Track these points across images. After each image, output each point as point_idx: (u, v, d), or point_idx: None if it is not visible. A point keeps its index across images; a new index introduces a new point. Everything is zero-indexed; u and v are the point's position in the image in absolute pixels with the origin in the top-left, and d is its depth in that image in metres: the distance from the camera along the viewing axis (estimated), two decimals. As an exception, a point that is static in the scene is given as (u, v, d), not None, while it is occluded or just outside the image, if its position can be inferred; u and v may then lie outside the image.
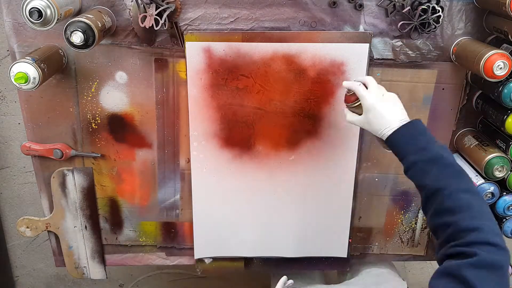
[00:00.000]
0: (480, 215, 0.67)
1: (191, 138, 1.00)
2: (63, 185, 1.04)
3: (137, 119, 0.99)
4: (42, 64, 0.83)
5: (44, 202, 1.07)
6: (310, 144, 1.01)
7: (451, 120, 1.01)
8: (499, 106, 0.89)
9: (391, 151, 0.79)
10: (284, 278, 0.96)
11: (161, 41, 0.93)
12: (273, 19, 0.92)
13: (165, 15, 0.86)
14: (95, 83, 0.96)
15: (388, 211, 1.10)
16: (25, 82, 0.81)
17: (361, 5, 0.90)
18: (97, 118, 0.98)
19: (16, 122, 1.58)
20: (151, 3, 0.85)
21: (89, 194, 1.06)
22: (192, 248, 1.12)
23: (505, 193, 0.95)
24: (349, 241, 1.10)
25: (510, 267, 0.95)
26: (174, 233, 1.11)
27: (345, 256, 1.11)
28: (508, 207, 0.94)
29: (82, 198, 1.06)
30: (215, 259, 1.14)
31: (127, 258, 1.14)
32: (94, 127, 0.99)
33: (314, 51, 0.93)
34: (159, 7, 0.86)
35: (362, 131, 1.00)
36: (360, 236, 1.12)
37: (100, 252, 1.12)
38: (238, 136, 1.00)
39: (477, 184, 0.94)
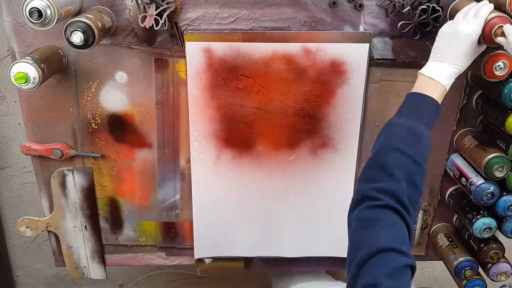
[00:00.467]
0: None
1: (191, 138, 1.00)
2: (63, 185, 1.04)
3: (137, 119, 0.99)
4: (42, 64, 0.83)
5: (44, 202, 1.07)
6: (310, 144, 1.01)
7: (451, 120, 1.01)
8: (499, 106, 0.89)
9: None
10: None
11: (161, 41, 0.93)
12: (273, 19, 0.92)
13: (165, 15, 0.86)
14: (95, 83, 0.96)
15: (388, 211, 1.10)
16: (25, 82, 0.81)
17: (361, 5, 0.90)
18: (97, 118, 0.98)
19: (16, 122, 1.58)
20: (151, 3, 0.85)
21: (89, 194, 1.06)
22: (192, 248, 1.12)
23: (505, 193, 0.94)
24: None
25: None
26: (174, 233, 1.11)
27: (345, 256, 1.11)
28: (508, 207, 0.94)
29: (82, 198, 1.06)
30: (215, 259, 1.14)
31: (127, 258, 1.14)
32: (94, 127, 0.99)
33: (314, 51, 0.93)
34: (159, 7, 0.86)
35: (362, 131, 1.00)
36: (360, 236, 1.12)
37: (100, 252, 1.12)
38: (238, 136, 1.00)
39: (477, 184, 0.93)
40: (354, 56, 0.93)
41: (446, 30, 0.79)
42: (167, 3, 0.87)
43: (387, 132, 0.75)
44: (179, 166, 1.04)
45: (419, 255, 1.16)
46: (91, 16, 0.81)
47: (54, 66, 0.89)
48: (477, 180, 0.94)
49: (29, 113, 0.98)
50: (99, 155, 1.01)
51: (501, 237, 1.01)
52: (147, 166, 1.03)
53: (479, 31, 0.76)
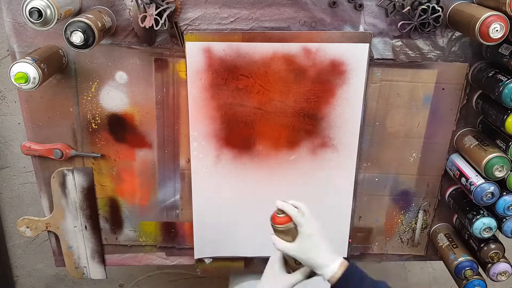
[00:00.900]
0: None
1: (191, 138, 1.00)
2: (63, 185, 1.04)
3: (137, 119, 0.99)
4: (42, 64, 0.83)
5: (44, 202, 1.07)
6: (310, 144, 1.01)
7: (451, 120, 1.01)
8: (499, 106, 0.89)
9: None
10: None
11: (161, 41, 0.93)
12: (273, 19, 0.92)
13: (165, 15, 0.86)
14: (95, 83, 0.96)
15: (388, 211, 1.10)
16: (25, 82, 0.81)
17: (361, 5, 0.90)
18: (97, 118, 0.98)
19: (16, 122, 1.58)
20: (151, 3, 0.85)
21: (89, 194, 1.06)
22: (192, 248, 1.12)
23: (505, 193, 0.94)
24: (349, 241, 1.10)
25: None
26: (174, 233, 1.11)
27: (345, 256, 1.11)
28: (508, 207, 0.94)
29: (82, 198, 1.06)
30: (215, 259, 1.14)
31: (127, 258, 1.14)
32: (94, 127, 0.99)
33: (314, 51, 0.93)
34: (159, 7, 0.86)
35: (362, 131, 1.00)
36: (360, 236, 1.12)
37: (100, 252, 1.12)
38: (238, 136, 1.00)
39: (477, 184, 0.93)
40: (354, 56, 0.93)
41: None
42: (167, 3, 0.87)
43: None
44: (179, 166, 1.04)
45: (419, 255, 1.16)
46: (91, 16, 0.81)
47: (54, 66, 0.89)
48: (477, 180, 0.94)
49: (29, 113, 0.98)
50: (99, 155, 1.01)
51: (501, 237, 1.01)
52: (147, 166, 1.03)
53: None
